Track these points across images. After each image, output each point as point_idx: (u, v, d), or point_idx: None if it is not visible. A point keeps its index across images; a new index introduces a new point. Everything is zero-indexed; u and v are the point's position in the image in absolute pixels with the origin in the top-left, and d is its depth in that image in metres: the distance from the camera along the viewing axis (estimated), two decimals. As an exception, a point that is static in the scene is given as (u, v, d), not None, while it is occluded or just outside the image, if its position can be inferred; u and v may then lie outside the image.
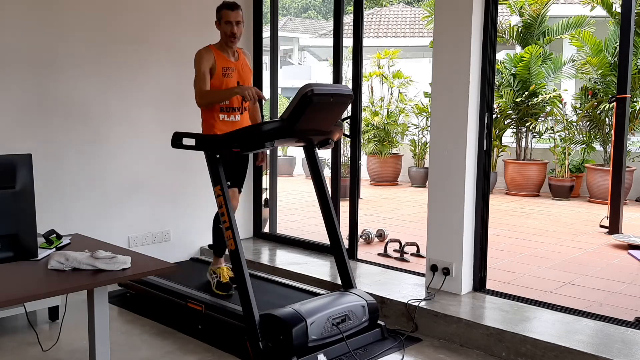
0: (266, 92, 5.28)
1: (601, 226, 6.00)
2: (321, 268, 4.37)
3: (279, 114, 3.92)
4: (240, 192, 3.80)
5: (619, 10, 7.58)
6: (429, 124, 8.55)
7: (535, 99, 8.59)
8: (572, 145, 8.33)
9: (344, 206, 4.72)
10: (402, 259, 4.66)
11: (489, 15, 3.60)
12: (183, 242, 4.78)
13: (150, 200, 4.61)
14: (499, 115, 8.64)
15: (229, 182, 3.52)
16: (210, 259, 4.53)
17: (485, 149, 3.69)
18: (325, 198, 3.58)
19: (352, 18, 4.47)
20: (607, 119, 8.00)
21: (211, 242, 3.94)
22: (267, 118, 5.48)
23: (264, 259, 4.65)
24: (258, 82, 5.03)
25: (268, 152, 5.19)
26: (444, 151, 3.71)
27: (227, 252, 3.38)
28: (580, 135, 8.37)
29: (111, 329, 2.99)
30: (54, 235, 2.71)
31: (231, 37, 3.55)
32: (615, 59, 7.62)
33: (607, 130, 8.04)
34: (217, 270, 3.80)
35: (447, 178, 3.71)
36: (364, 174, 9.21)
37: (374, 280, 4.05)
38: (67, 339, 3.32)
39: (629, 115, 6.57)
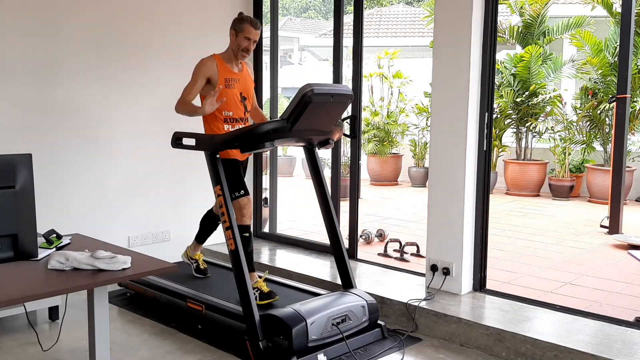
0: (266, 92, 5.28)
1: (601, 226, 6.00)
2: (321, 268, 4.37)
3: (279, 114, 3.92)
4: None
5: (619, 10, 7.58)
6: (429, 124, 8.55)
7: (536, 99, 8.59)
8: (572, 145, 8.33)
9: (344, 206, 4.72)
10: (402, 259, 4.66)
11: (489, 15, 3.60)
12: (183, 242, 4.76)
13: (150, 200, 4.61)
14: (499, 115, 8.64)
15: (242, 191, 3.55)
16: (209, 258, 4.53)
17: (485, 148, 3.69)
18: (326, 198, 3.58)
19: (352, 18, 4.47)
20: (607, 119, 8.00)
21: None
22: (267, 118, 5.48)
23: (264, 259, 4.65)
24: (258, 82, 5.03)
25: (268, 152, 5.21)
26: (444, 151, 3.71)
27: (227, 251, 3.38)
28: (581, 135, 8.37)
29: (111, 329, 2.99)
30: (54, 235, 2.71)
31: (244, 52, 3.54)
32: (616, 58, 7.62)
33: (607, 130, 8.04)
34: (195, 256, 4.06)
35: (447, 178, 3.71)
36: (364, 174, 9.21)
37: (374, 280, 4.05)
38: (67, 339, 3.32)
39: (629, 115, 6.57)
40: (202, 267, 4.06)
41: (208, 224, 3.98)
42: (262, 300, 3.50)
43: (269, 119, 3.97)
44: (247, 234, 3.51)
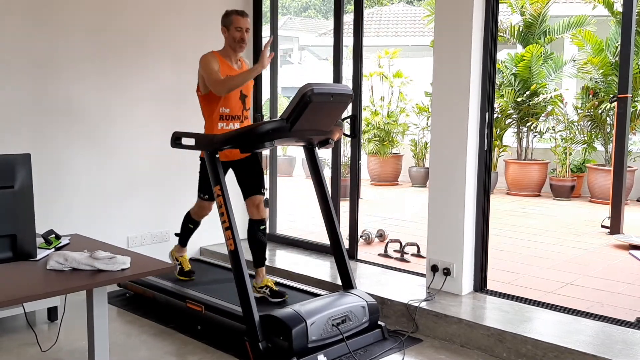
0: (266, 92, 5.27)
1: (602, 226, 5.99)
2: (321, 268, 4.36)
3: (279, 114, 3.91)
4: (263, 193, 3.70)
5: (620, 9, 7.57)
6: (429, 124, 8.54)
7: (536, 99, 8.58)
8: (573, 145, 8.32)
9: (344, 206, 4.71)
10: (402, 259, 4.65)
11: (489, 14, 3.59)
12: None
13: (149, 200, 4.60)
14: (499, 115, 8.63)
15: (207, 196, 3.67)
16: (210, 259, 4.54)
17: (486, 148, 3.68)
18: (326, 198, 3.57)
19: (353, 17, 4.46)
20: (608, 119, 7.99)
21: (179, 231, 4.03)
22: (267, 118, 5.47)
23: (264, 259, 4.64)
24: (258, 82, 5.02)
25: (268, 152, 5.20)
26: (444, 151, 3.70)
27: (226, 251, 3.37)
28: (582, 135, 8.36)
29: (110, 330, 2.98)
30: (53, 235, 2.70)
31: (240, 42, 3.54)
32: (617, 58, 7.61)
33: (608, 130, 8.03)
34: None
35: (448, 178, 3.70)
36: (364, 174, 9.20)
37: (374, 281, 4.04)
38: (66, 340, 3.31)
39: (630, 114, 6.55)
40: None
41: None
42: (180, 275, 3.98)
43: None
44: (192, 226, 3.94)
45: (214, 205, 3.59)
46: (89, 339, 2.57)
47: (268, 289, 3.64)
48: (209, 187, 3.48)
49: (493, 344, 3.22)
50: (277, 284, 3.77)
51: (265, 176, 5.24)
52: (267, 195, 5.29)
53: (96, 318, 2.54)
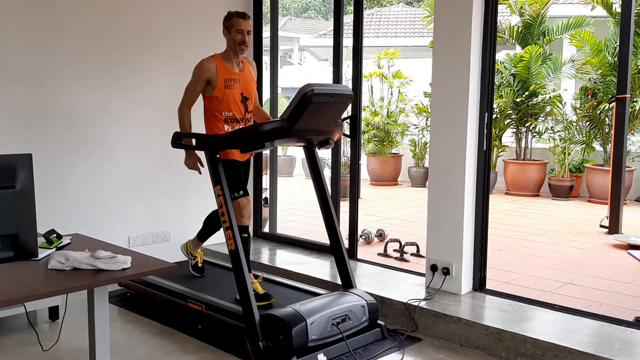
0: (266, 92, 5.28)
1: (601, 226, 6.00)
2: (321, 268, 4.37)
3: (279, 114, 3.92)
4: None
5: (619, 10, 7.58)
6: (428, 124, 8.55)
7: (535, 99, 8.59)
8: (572, 145, 8.33)
9: (344, 206, 4.73)
10: (402, 259, 4.67)
11: (488, 15, 3.60)
12: (183, 242, 4.77)
13: (150, 200, 4.61)
14: (498, 115, 8.64)
15: (241, 191, 3.59)
16: (211, 258, 4.54)
17: (485, 148, 3.69)
18: (325, 198, 3.58)
19: (352, 18, 4.48)
20: (607, 119, 8.00)
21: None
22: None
23: (264, 259, 4.66)
24: (258, 83, 5.02)
25: (268, 152, 5.21)
26: (444, 151, 3.71)
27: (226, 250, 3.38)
28: (580, 135, 8.37)
29: (111, 329, 2.99)
30: (54, 235, 2.71)
31: (241, 44, 3.55)
32: (615, 59, 7.62)
33: (606, 130, 8.04)
34: (195, 253, 4.08)
35: (447, 178, 3.71)
36: (364, 174, 9.21)
37: (374, 280, 4.05)
38: (67, 339, 3.32)
39: (629, 115, 6.57)
40: (199, 265, 4.07)
41: (212, 223, 3.92)
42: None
43: (271, 118, 3.99)
44: (246, 235, 3.57)
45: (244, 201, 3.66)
46: (90, 338, 2.58)
47: (195, 260, 4.06)
48: (234, 184, 3.51)
49: (492, 343, 3.23)
50: (278, 282, 3.79)
51: (265, 176, 5.28)
52: (266, 194, 5.31)
53: (97, 317, 2.55)
